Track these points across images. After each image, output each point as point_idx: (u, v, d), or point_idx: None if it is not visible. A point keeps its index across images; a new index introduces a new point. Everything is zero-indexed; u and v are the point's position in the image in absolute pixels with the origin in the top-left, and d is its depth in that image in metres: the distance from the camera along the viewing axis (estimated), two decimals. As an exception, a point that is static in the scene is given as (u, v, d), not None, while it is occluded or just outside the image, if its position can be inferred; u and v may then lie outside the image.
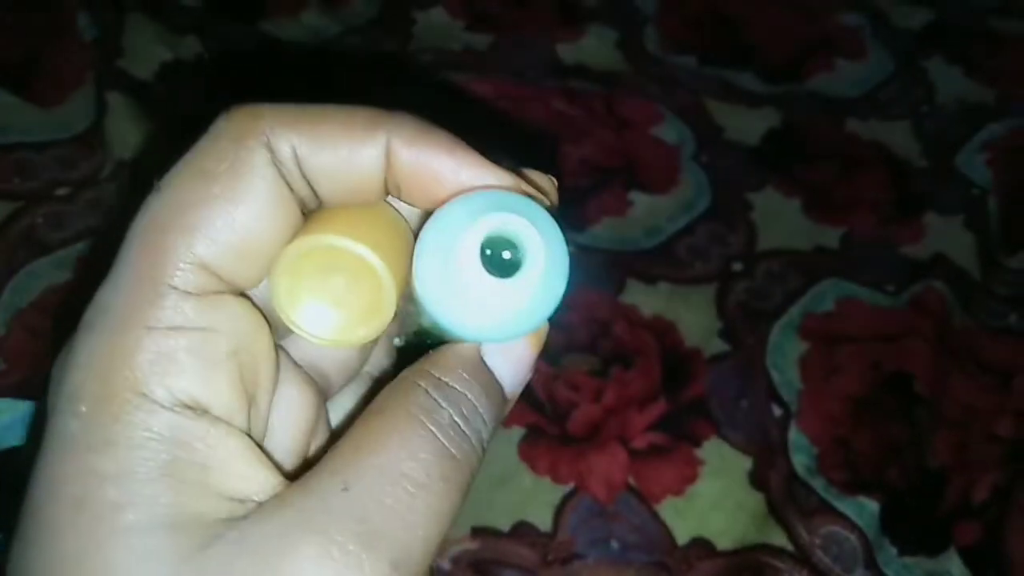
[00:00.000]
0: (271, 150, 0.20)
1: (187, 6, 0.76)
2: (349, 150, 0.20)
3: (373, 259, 0.19)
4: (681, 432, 0.54)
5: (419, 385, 0.20)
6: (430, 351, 0.21)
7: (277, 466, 0.20)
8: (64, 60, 0.70)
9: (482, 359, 0.21)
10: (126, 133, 0.65)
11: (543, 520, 0.51)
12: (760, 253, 0.65)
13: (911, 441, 0.56)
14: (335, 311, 0.21)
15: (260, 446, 0.20)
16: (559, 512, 0.51)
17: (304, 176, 0.20)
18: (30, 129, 0.66)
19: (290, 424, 0.22)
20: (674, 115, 0.74)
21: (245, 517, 0.18)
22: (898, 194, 0.71)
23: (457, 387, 0.20)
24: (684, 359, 0.58)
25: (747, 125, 0.75)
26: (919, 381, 0.58)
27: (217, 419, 0.19)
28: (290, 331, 0.22)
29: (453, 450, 0.19)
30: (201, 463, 0.18)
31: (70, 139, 0.66)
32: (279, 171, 0.20)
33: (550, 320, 0.21)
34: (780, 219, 0.68)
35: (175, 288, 0.19)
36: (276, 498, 0.18)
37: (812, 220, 0.68)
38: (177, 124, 0.67)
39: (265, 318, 0.21)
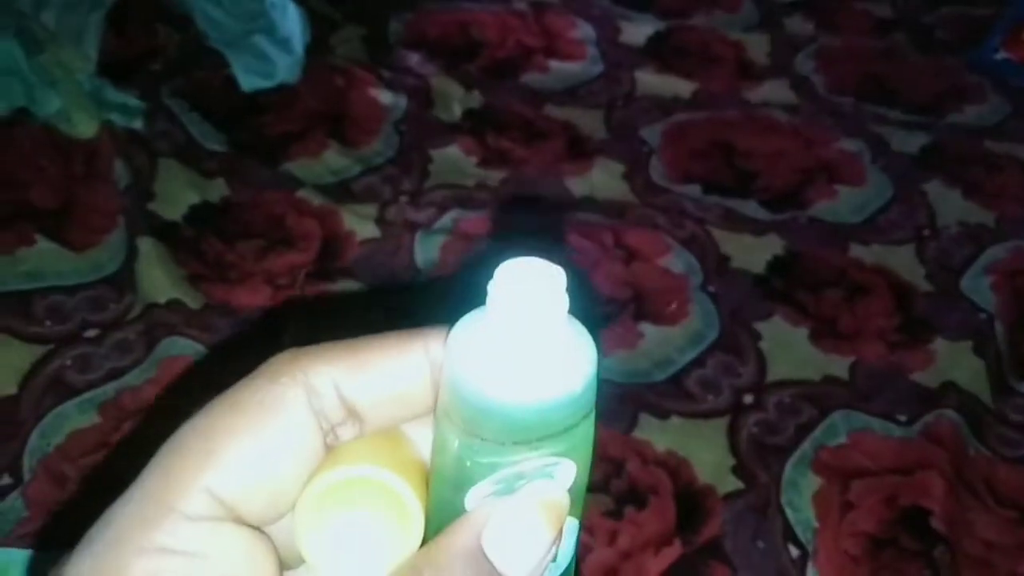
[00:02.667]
0: (307, 386, 0.21)
1: (215, 151, 0.80)
2: (391, 368, 0.21)
3: (394, 482, 0.20)
4: (697, 576, 0.54)
5: None
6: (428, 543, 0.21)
7: None
8: (98, 205, 0.74)
9: (481, 550, 0.20)
10: (155, 276, 0.68)
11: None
12: (770, 384, 0.66)
13: (932, 582, 0.55)
14: (362, 550, 0.21)
15: None
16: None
17: (345, 404, 0.21)
18: (64, 273, 0.69)
19: None
20: (681, 245, 0.77)
21: None
22: (904, 320, 0.72)
23: None
24: (699, 498, 0.58)
25: (752, 253, 0.77)
26: (936, 517, 0.58)
27: None
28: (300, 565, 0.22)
29: None
30: None
31: (100, 281, 0.69)
32: (311, 408, 0.21)
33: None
34: (789, 349, 0.69)
35: (177, 511, 0.19)
36: None
37: (820, 349, 0.69)
38: (203, 265, 0.70)
39: (277, 554, 0.21)
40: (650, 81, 0.97)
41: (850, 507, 0.58)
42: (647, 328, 0.69)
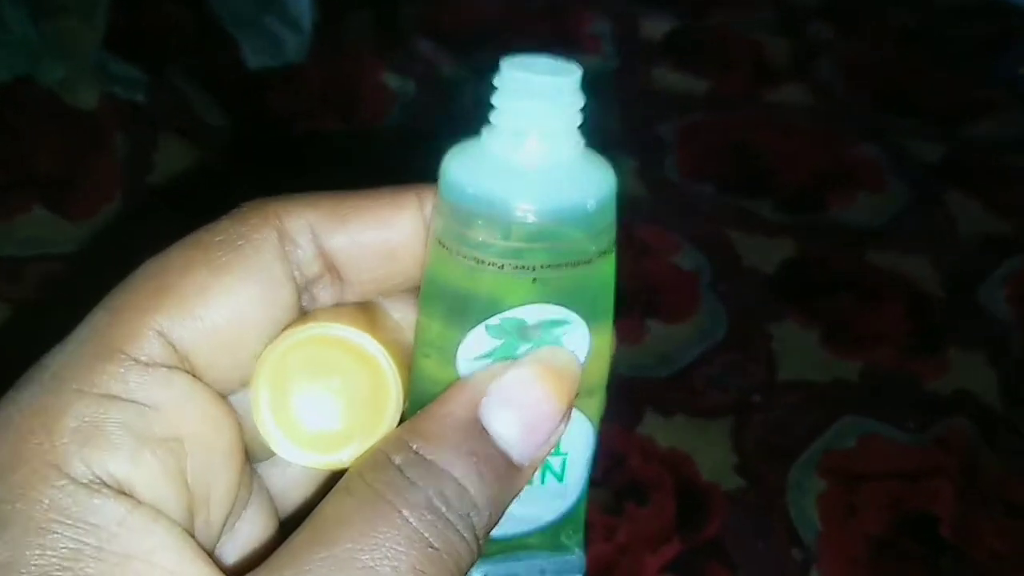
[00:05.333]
0: (280, 230, 0.18)
1: (217, 125, 0.79)
2: (380, 218, 0.19)
3: (375, 349, 0.17)
4: (696, 576, 0.52)
5: (391, 461, 0.16)
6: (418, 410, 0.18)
7: (221, 568, 0.16)
8: (98, 176, 0.73)
9: (478, 420, 0.17)
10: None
11: (549, 669, 0.48)
12: (778, 384, 0.64)
13: (940, 593, 0.53)
14: (326, 424, 0.18)
15: (205, 550, 0.17)
16: (566, 661, 0.48)
17: (324, 257, 0.19)
18: (60, 242, 0.68)
19: (249, 554, 0.19)
20: (692, 243, 0.75)
21: None
22: (918, 327, 0.70)
23: (439, 462, 0.16)
24: (700, 495, 0.56)
25: (765, 254, 0.75)
26: (944, 525, 0.56)
27: (142, 504, 0.16)
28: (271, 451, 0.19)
29: (431, 539, 0.15)
30: (119, 552, 0.15)
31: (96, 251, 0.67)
32: (283, 251, 0.18)
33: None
34: (799, 350, 0.67)
35: (125, 354, 0.17)
36: None
37: (831, 352, 0.67)
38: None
39: (240, 427, 0.18)
40: (666, 78, 0.96)
41: (855, 511, 0.56)
42: (654, 324, 0.68)
